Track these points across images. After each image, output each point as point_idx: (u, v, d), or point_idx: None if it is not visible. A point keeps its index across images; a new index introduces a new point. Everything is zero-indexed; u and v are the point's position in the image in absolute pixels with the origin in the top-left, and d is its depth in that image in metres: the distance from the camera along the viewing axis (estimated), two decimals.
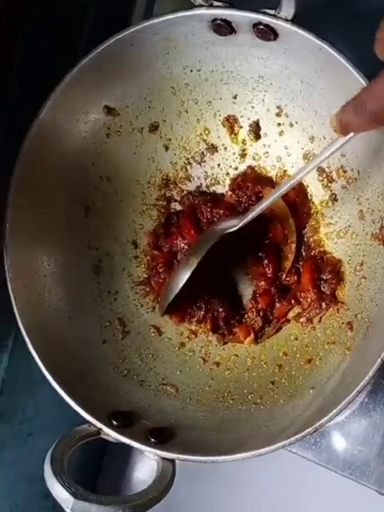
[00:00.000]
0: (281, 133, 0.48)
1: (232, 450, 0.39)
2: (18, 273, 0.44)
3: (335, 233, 0.47)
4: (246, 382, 0.47)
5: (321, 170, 0.47)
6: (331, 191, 0.47)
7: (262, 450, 0.38)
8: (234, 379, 0.47)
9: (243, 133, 0.49)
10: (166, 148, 0.50)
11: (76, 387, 0.43)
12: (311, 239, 0.48)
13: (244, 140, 0.50)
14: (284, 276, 0.48)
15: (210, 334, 0.50)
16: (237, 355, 0.49)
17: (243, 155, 0.50)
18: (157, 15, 0.42)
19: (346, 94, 0.40)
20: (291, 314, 0.48)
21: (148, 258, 0.51)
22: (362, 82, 0.39)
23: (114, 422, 0.41)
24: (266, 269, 0.48)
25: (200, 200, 0.51)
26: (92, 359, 0.47)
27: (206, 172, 0.51)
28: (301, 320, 0.47)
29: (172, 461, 0.40)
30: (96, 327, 0.49)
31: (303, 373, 0.45)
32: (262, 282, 0.48)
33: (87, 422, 0.41)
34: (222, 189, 0.51)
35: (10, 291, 0.43)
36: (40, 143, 0.45)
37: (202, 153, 0.51)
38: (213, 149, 0.50)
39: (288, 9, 0.38)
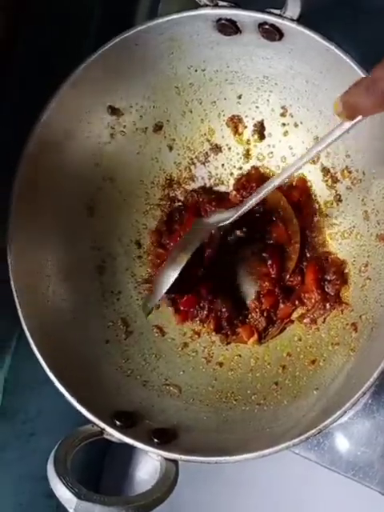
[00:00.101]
0: (285, 133, 0.48)
1: (235, 451, 0.39)
2: (22, 273, 0.44)
3: (340, 233, 0.47)
4: (250, 383, 0.47)
5: (325, 171, 0.47)
6: (336, 192, 0.47)
7: (266, 451, 0.38)
8: (237, 380, 0.47)
9: (247, 133, 0.49)
10: (170, 148, 0.50)
11: (79, 387, 0.43)
12: (315, 240, 0.48)
13: (248, 140, 0.50)
14: (288, 276, 0.48)
15: (214, 334, 0.49)
16: (240, 356, 0.49)
17: (247, 155, 0.50)
18: (161, 15, 0.42)
19: None
20: (295, 315, 0.48)
21: (152, 257, 0.51)
22: None
23: (117, 423, 0.41)
24: (270, 269, 0.48)
25: (204, 198, 0.51)
26: (95, 359, 0.47)
27: (209, 172, 0.51)
28: (305, 321, 0.47)
29: (175, 461, 0.40)
30: (99, 327, 0.49)
31: (307, 374, 0.45)
32: (266, 283, 0.48)
33: (90, 422, 0.41)
34: (226, 189, 0.51)
35: (14, 291, 0.43)
36: (44, 143, 0.45)
37: (206, 153, 0.50)
38: (217, 149, 0.50)
39: (294, 8, 0.38)
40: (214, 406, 0.46)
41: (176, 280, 0.42)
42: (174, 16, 0.42)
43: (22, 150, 0.44)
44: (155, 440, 0.41)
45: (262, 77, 0.46)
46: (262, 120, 0.49)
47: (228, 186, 0.51)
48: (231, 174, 0.51)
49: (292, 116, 0.47)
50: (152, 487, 0.38)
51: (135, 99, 0.48)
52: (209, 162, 0.51)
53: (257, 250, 0.49)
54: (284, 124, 0.48)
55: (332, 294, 0.46)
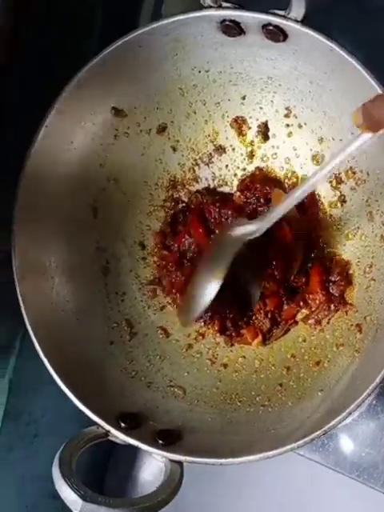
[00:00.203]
0: (289, 134, 0.48)
1: (240, 453, 0.39)
2: (26, 274, 0.44)
3: (344, 234, 0.47)
4: (254, 384, 0.47)
5: None
6: (340, 192, 0.47)
7: (270, 453, 0.38)
8: (241, 381, 0.47)
9: (251, 134, 0.49)
10: (174, 149, 0.50)
11: (83, 389, 0.43)
12: (320, 241, 0.48)
13: (252, 141, 0.50)
14: (292, 278, 0.48)
15: (218, 335, 0.49)
16: (244, 357, 0.48)
17: (251, 156, 0.50)
18: (165, 16, 0.42)
19: (355, 94, 0.40)
20: (299, 316, 0.48)
21: (156, 258, 0.51)
22: (372, 83, 0.38)
23: (122, 424, 0.41)
24: (274, 270, 0.48)
25: (208, 199, 0.51)
26: (100, 360, 0.47)
27: (213, 173, 0.51)
28: (309, 322, 0.47)
29: (180, 463, 0.40)
30: (103, 328, 0.49)
31: (312, 375, 0.45)
32: (270, 284, 0.48)
33: (95, 423, 0.41)
34: (230, 190, 0.51)
35: (18, 292, 0.43)
36: (48, 144, 0.45)
37: (210, 154, 0.50)
38: (221, 150, 0.50)
39: (298, 9, 0.38)
40: (219, 407, 0.46)
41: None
42: (179, 17, 0.41)
43: (23, 151, 0.44)
44: (160, 441, 0.41)
45: (266, 78, 0.46)
46: (266, 121, 0.48)
47: (232, 187, 0.51)
48: (235, 175, 0.51)
49: (296, 117, 0.47)
50: (157, 489, 0.38)
51: (139, 100, 0.47)
52: (213, 163, 0.51)
53: (261, 251, 0.48)
54: (288, 125, 0.48)
55: (336, 295, 0.46)
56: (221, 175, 0.51)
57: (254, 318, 0.49)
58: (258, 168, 0.50)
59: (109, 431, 0.41)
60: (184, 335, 0.50)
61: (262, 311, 0.48)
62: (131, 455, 0.64)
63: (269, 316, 0.48)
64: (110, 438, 0.41)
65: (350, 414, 0.37)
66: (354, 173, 0.46)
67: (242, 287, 0.49)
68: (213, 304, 0.47)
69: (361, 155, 0.44)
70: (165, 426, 0.43)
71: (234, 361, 0.49)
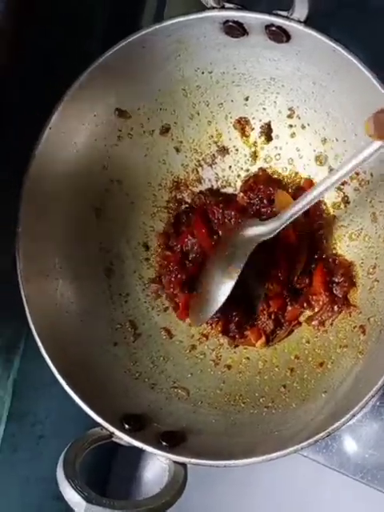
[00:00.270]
0: (292, 135, 0.48)
1: (244, 455, 0.39)
2: (30, 276, 0.44)
3: (347, 235, 0.47)
4: (258, 386, 0.47)
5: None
6: (343, 194, 0.47)
7: (274, 455, 0.38)
8: (245, 382, 0.47)
9: (255, 135, 0.49)
10: (177, 150, 0.50)
11: (88, 390, 0.43)
12: (323, 242, 0.48)
13: (255, 142, 0.49)
14: (296, 279, 0.48)
15: (221, 336, 0.49)
16: (248, 358, 0.48)
17: (255, 157, 0.50)
18: (168, 17, 0.42)
19: (359, 95, 0.40)
20: (303, 317, 0.48)
21: (159, 259, 0.51)
22: (376, 84, 0.38)
23: (126, 426, 0.41)
24: (278, 272, 0.48)
25: (211, 200, 0.50)
26: (103, 362, 0.47)
27: (217, 174, 0.51)
28: (313, 323, 0.47)
29: (184, 465, 0.40)
30: (107, 330, 0.49)
31: (315, 376, 0.45)
32: (274, 285, 0.48)
33: (99, 424, 0.41)
34: (234, 191, 0.51)
35: (22, 294, 0.44)
36: (51, 146, 0.45)
37: (213, 155, 0.50)
38: (224, 151, 0.50)
39: (301, 10, 0.38)
40: (223, 408, 0.46)
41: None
42: (181, 18, 0.41)
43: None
44: (164, 443, 0.41)
45: (269, 78, 0.46)
46: (269, 122, 0.48)
47: (235, 188, 0.51)
48: (238, 175, 0.51)
49: (299, 118, 0.47)
50: (161, 490, 0.38)
51: (142, 102, 0.47)
52: (216, 164, 0.51)
53: (265, 253, 0.48)
54: (291, 126, 0.48)
55: (340, 296, 0.46)
56: (224, 176, 0.51)
57: (257, 319, 0.49)
58: (261, 169, 0.50)
59: (113, 433, 0.41)
60: (187, 336, 0.50)
61: (265, 312, 0.48)
62: (135, 455, 0.64)
63: (272, 317, 0.48)
64: (114, 439, 0.41)
65: (353, 415, 0.37)
66: (358, 174, 0.45)
67: (246, 288, 0.49)
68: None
69: None
70: (169, 427, 0.43)
71: (237, 362, 0.49)
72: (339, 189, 0.47)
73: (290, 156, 0.49)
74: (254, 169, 0.50)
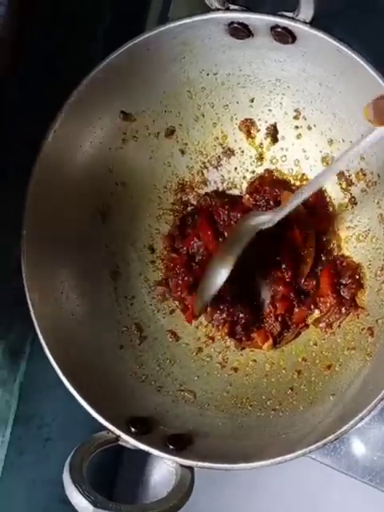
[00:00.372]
0: (299, 136, 0.48)
1: (251, 458, 0.39)
2: (36, 279, 0.44)
3: (355, 237, 0.47)
4: (265, 388, 0.46)
5: (340, 174, 0.47)
6: (350, 194, 0.47)
7: (282, 458, 0.38)
8: (252, 385, 0.47)
9: (260, 136, 0.49)
10: (183, 152, 0.50)
11: (94, 393, 0.43)
12: (330, 243, 0.48)
13: (261, 143, 0.49)
14: (303, 281, 0.48)
15: (228, 339, 0.49)
16: (255, 360, 0.48)
17: (260, 159, 0.50)
18: (173, 19, 0.42)
19: (365, 96, 0.39)
20: (310, 319, 0.48)
21: (165, 262, 0.51)
22: (382, 84, 0.38)
23: (133, 429, 0.41)
24: (285, 273, 0.47)
25: (217, 202, 0.50)
26: (109, 365, 0.46)
27: (222, 176, 0.51)
28: (320, 325, 0.47)
29: (191, 468, 0.40)
30: (113, 333, 0.48)
31: (323, 379, 0.44)
32: (281, 287, 0.48)
33: (105, 428, 0.41)
34: (239, 192, 0.51)
35: (28, 297, 0.43)
36: (56, 149, 0.45)
37: (219, 157, 0.50)
38: (230, 153, 0.50)
39: (307, 11, 0.37)
40: (229, 411, 0.45)
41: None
42: (186, 20, 0.41)
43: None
44: (170, 446, 0.41)
45: (275, 80, 0.45)
46: (275, 123, 0.48)
47: (241, 190, 0.51)
48: (244, 177, 0.51)
49: (305, 119, 0.47)
50: (168, 494, 0.38)
51: (147, 104, 0.47)
52: (221, 165, 0.51)
53: (271, 255, 0.48)
54: (297, 127, 0.48)
55: (347, 298, 0.46)
56: (230, 178, 0.51)
57: (264, 321, 0.48)
58: (267, 170, 0.50)
59: (119, 436, 0.41)
60: (194, 339, 0.50)
61: (272, 314, 0.48)
62: (141, 459, 0.64)
63: (279, 319, 0.48)
64: (120, 442, 0.41)
65: (362, 419, 0.37)
66: (365, 174, 0.45)
67: (254, 291, 0.49)
68: (227, 305, 0.48)
69: (371, 157, 0.44)
70: (175, 430, 0.43)
71: (244, 364, 0.48)
72: (346, 190, 0.47)
73: (296, 157, 0.49)
74: (259, 170, 0.50)
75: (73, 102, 0.44)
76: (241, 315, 0.48)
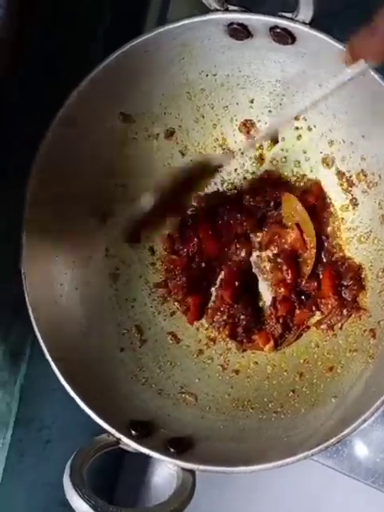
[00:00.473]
0: (299, 137, 0.48)
1: (253, 461, 0.38)
2: (35, 281, 0.44)
3: (356, 238, 0.47)
4: (266, 390, 0.46)
5: (340, 175, 0.47)
6: (351, 196, 0.47)
7: (283, 462, 0.37)
8: (253, 387, 0.47)
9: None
10: (182, 154, 0.50)
11: (94, 396, 0.42)
12: (331, 244, 0.48)
13: (261, 145, 0.49)
14: (304, 282, 0.48)
15: (229, 341, 0.49)
16: (256, 363, 0.48)
17: (260, 160, 0.50)
18: (172, 20, 0.42)
19: (365, 96, 0.39)
20: (312, 321, 0.48)
21: (165, 263, 0.51)
22: (382, 84, 0.38)
23: (133, 432, 0.41)
24: (286, 275, 0.47)
25: (217, 203, 0.50)
26: (110, 368, 0.46)
27: (222, 177, 0.51)
28: (322, 327, 0.47)
29: (192, 471, 0.39)
30: (113, 335, 0.48)
31: (325, 381, 0.44)
32: (282, 289, 0.47)
33: (105, 431, 0.41)
34: (239, 194, 0.51)
35: (27, 300, 0.43)
36: (55, 151, 0.44)
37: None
38: (230, 154, 0.50)
39: (306, 12, 0.37)
40: (231, 414, 0.45)
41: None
42: (186, 21, 0.41)
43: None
44: (171, 449, 0.40)
45: (275, 81, 0.45)
46: None
47: (241, 191, 0.50)
48: (244, 178, 0.50)
49: (305, 120, 0.47)
50: (169, 498, 0.37)
51: (146, 106, 0.47)
52: (222, 167, 0.50)
53: (272, 256, 0.48)
54: (297, 128, 0.47)
55: (349, 299, 0.46)
56: (230, 179, 0.51)
57: (265, 323, 0.48)
58: (267, 171, 0.50)
59: (120, 439, 0.41)
60: (195, 341, 0.50)
61: (273, 316, 0.48)
62: (142, 462, 0.64)
63: (280, 321, 0.47)
64: (121, 445, 0.41)
65: (364, 421, 0.36)
66: (366, 175, 0.45)
67: (255, 293, 0.49)
68: (228, 307, 0.47)
69: (372, 158, 0.44)
70: (176, 433, 0.42)
71: (245, 367, 0.48)
72: (347, 191, 0.47)
73: (297, 158, 0.49)
74: (260, 172, 0.50)
75: (71, 103, 0.43)
76: (242, 317, 0.48)
